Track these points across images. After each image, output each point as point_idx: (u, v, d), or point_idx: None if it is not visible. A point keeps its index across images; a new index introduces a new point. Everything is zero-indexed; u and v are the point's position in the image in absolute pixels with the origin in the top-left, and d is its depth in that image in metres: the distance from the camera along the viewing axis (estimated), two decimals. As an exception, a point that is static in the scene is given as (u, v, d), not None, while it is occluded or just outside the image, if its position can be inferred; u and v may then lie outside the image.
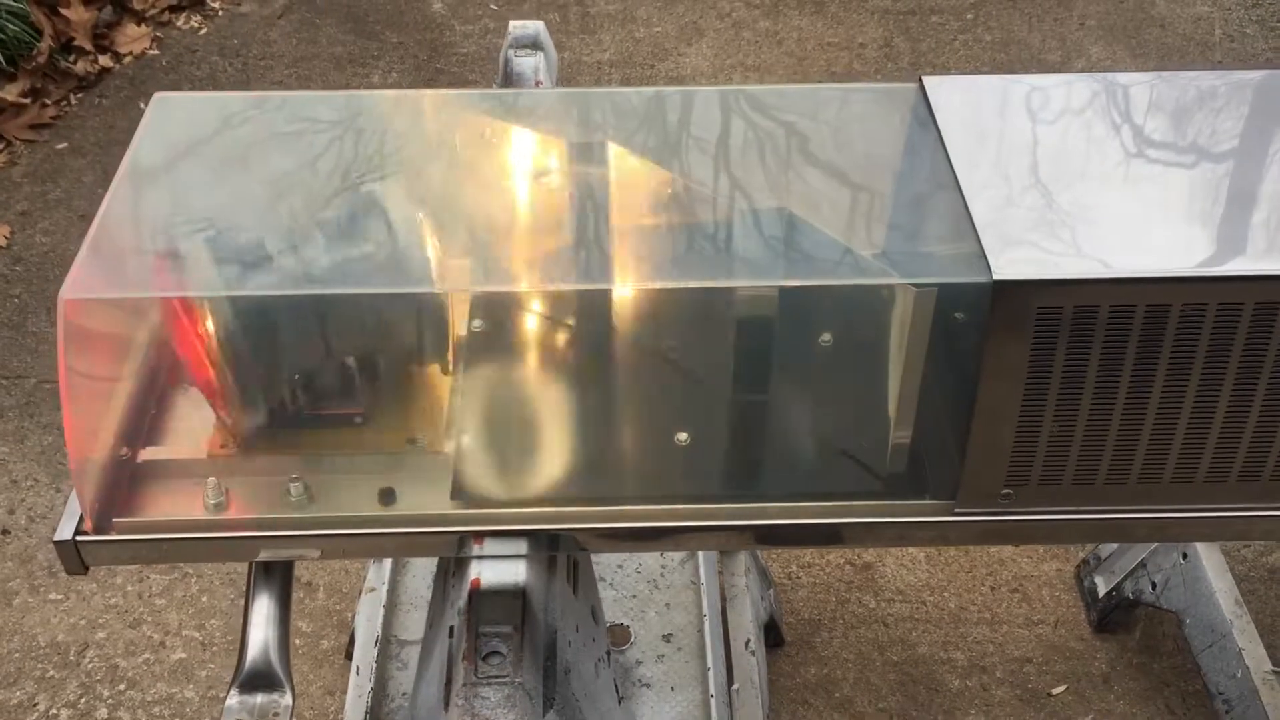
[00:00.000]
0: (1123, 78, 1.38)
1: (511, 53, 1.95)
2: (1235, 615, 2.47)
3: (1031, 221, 1.16)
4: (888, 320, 1.19)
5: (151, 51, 4.71)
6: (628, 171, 1.31)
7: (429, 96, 1.76)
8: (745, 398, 1.32)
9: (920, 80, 1.30)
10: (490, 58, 4.70)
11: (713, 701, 1.88)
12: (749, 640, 2.43)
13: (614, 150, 1.34)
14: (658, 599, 2.09)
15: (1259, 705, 2.31)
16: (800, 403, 1.35)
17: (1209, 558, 2.58)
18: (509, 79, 1.92)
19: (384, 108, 1.56)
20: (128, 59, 4.69)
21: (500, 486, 1.28)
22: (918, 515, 1.24)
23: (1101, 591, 2.86)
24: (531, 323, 1.36)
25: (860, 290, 1.22)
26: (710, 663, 1.95)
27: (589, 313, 1.32)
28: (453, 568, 1.26)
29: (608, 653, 1.45)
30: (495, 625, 1.13)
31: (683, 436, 1.30)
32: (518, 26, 2.03)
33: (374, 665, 1.98)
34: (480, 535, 1.22)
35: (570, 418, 1.36)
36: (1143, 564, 2.73)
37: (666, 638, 2.03)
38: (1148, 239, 1.15)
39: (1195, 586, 2.58)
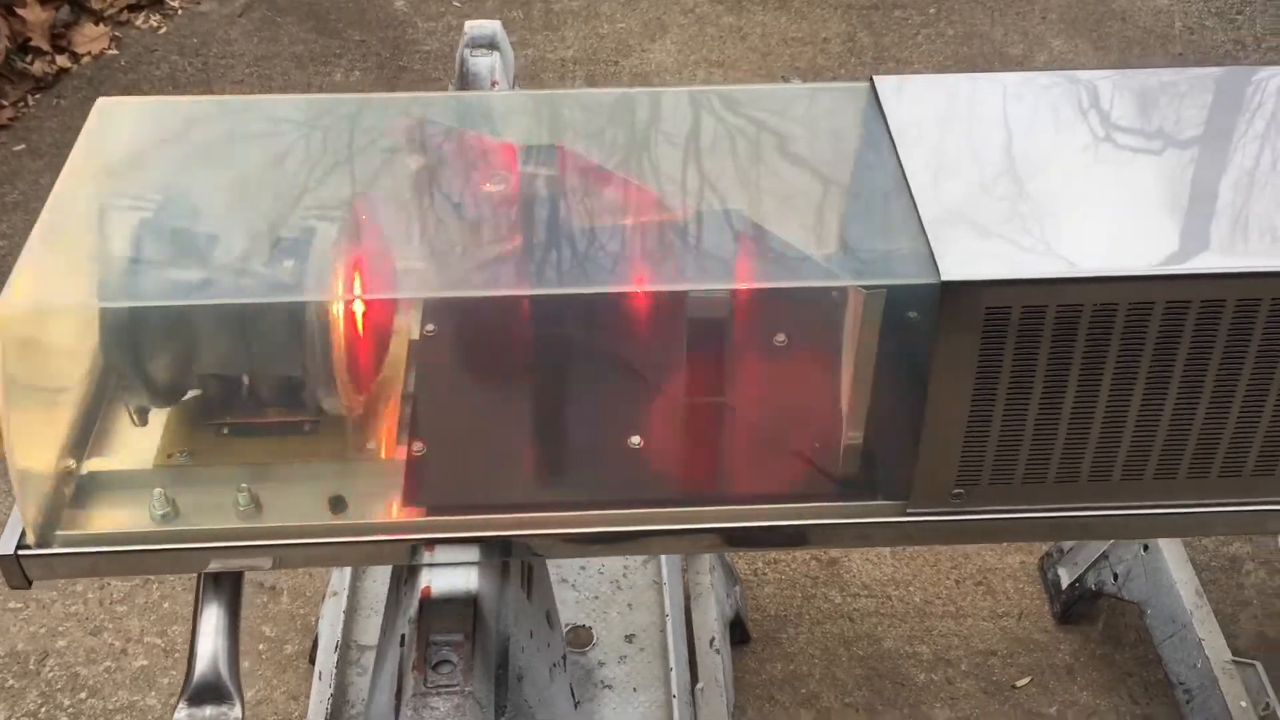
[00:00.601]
0: (1079, 75, 1.38)
1: (468, 52, 1.94)
2: (1195, 606, 2.50)
3: (980, 221, 1.16)
4: (839, 322, 1.19)
5: (110, 51, 4.65)
6: (577, 175, 1.30)
7: (379, 100, 1.74)
8: (698, 400, 1.32)
9: (871, 80, 1.30)
10: (453, 55, 4.67)
11: (675, 702, 1.88)
12: (714, 638, 2.43)
13: (564, 153, 1.33)
14: (620, 599, 2.08)
15: (1219, 694, 2.34)
16: (753, 405, 1.34)
17: (1170, 549, 2.60)
18: (465, 79, 1.91)
19: (334, 111, 1.54)
20: (86, 59, 4.63)
21: (452, 493, 1.27)
22: (870, 516, 1.24)
23: (1065, 583, 2.88)
24: (483, 328, 1.35)
25: (810, 292, 1.22)
26: (673, 663, 1.94)
27: (541, 317, 1.31)
28: (405, 575, 1.25)
29: (564, 657, 1.44)
30: (445, 634, 1.12)
31: (636, 440, 1.29)
32: (474, 26, 2.02)
33: (334, 671, 1.96)
34: (431, 543, 1.21)
35: (523, 423, 1.35)
36: (1105, 555, 2.75)
37: (629, 638, 2.02)
38: (1097, 238, 1.15)
39: (1156, 577, 2.60)
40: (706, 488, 1.32)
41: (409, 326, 1.39)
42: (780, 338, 1.37)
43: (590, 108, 1.51)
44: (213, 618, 1.22)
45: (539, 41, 4.70)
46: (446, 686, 1.08)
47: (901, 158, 1.20)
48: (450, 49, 4.69)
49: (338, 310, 1.34)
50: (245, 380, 1.29)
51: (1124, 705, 2.75)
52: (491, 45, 1.96)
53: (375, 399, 1.32)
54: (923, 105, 1.29)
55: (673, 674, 1.93)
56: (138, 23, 4.77)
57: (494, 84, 1.89)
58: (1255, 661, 2.36)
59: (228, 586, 1.25)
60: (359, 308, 1.35)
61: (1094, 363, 1.13)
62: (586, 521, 1.25)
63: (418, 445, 1.29)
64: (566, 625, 2.06)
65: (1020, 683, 2.80)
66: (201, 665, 1.20)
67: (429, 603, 1.15)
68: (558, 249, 1.27)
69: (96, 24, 4.70)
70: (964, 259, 1.10)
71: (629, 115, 1.47)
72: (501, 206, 1.32)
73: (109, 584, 2.91)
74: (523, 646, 1.24)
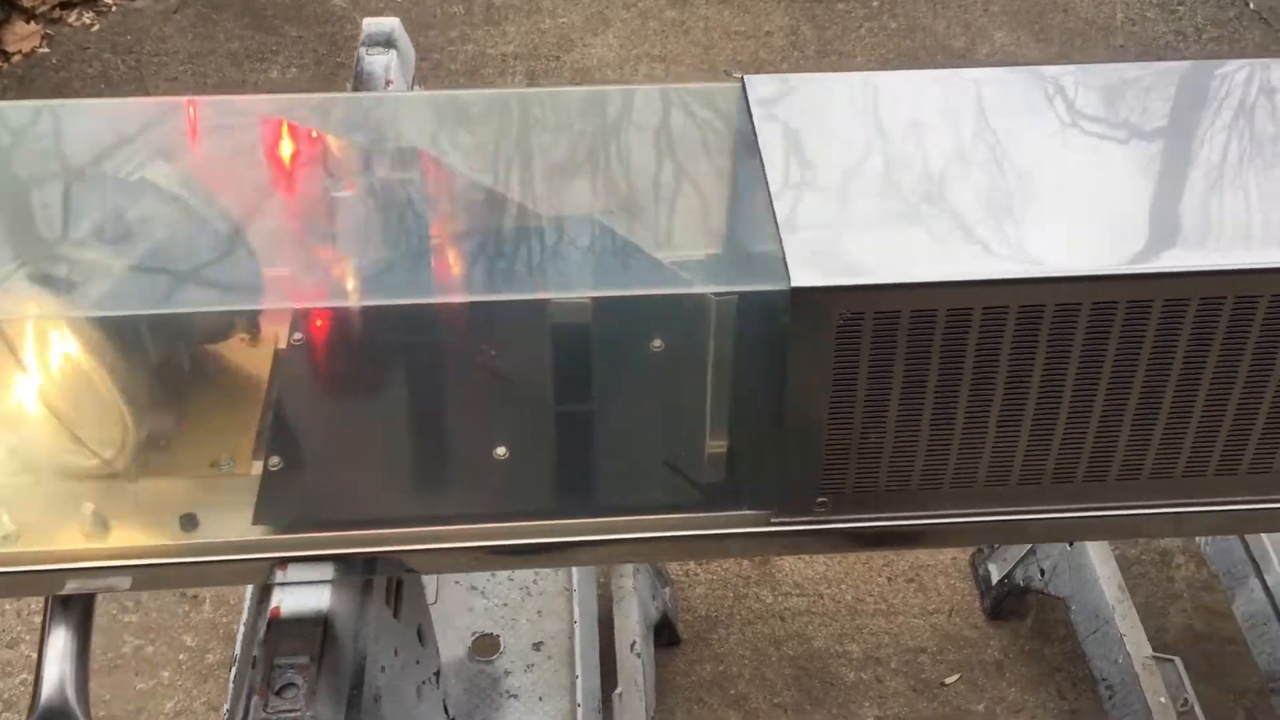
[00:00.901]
0: (964, 73, 1.36)
1: (363, 51, 1.90)
2: (1118, 601, 2.49)
3: (839, 226, 1.13)
4: (696, 329, 1.16)
5: (41, 49, 4.57)
6: (437, 180, 1.27)
7: (260, 101, 1.70)
8: (561, 410, 1.29)
9: (742, 80, 1.27)
10: (392, 51, 4.62)
11: (579, 710, 1.86)
12: (634, 642, 2.40)
13: (427, 157, 1.30)
14: (530, 606, 2.05)
15: (1138, 690, 2.33)
16: (617, 415, 1.32)
17: (1094, 544, 2.60)
18: (359, 78, 1.86)
19: (205, 115, 1.50)
20: (16, 58, 4.54)
21: (305, 509, 1.24)
22: (735, 526, 1.21)
23: (995, 579, 2.88)
24: (343, 338, 1.31)
25: (664, 300, 1.19)
26: (579, 671, 1.92)
27: (403, 327, 1.28)
28: (258, 595, 1.22)
29: (437, 673, 1.41)
30: (291, 656, 1.09)
31: (501, 451, 1.26)
32: (371, 24, 1.98)
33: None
34: (283, 562, 1.18)
35: (385, 435, 1.32)
36: (1032, 551, 2.75)
37: (537, 646, 2.00)
38: (955, 243, 1.13)
39: (1080, 573, 2.60)
40: (573, 499, 1.29)
41: (277, 335, 1.35)
42: (657, 343, 1.34)
43: (473, 109, 1.48)
44: (60, 642, 1.18)
45: (480, 37, 4.65)
46: (288, 711, 1.05)
47: (765, 160, 1.17)
48: (389, 45, 4.64)
49: (208, 323, 1.31)
50: (97, 394, 1.25)
51: (1052, 701, 2.75)
52: (389, 43, 1.92)
53: (233, 413, 1.29)
54: (793, 106, 1.26)
55: (579, 682, 1.91)
56: (70, 20, 4.69)
57: (388, 83, 1.85)
58: (1174, 657, 2.35)
59: (77, 609, 1.21)
60: (231, 320, 1.32)
61: (951, 368, 1.11)
62: (447, 536, 1.22)
63: (275, 459, 1.25)
64: (473, 634, 2.03)
65: (949, 680, 2.79)
66: (48, 691, 1.16)
67: (276, 624, 1.12)
68: (420, 257, 1.24)
69: (28, 22, 4.61)
70: (817, 265, 1.08)
71: (509, 117, 1.44)
72: (367, 213, 1.29)
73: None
74: (383, 666, 1.21)
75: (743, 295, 1.10)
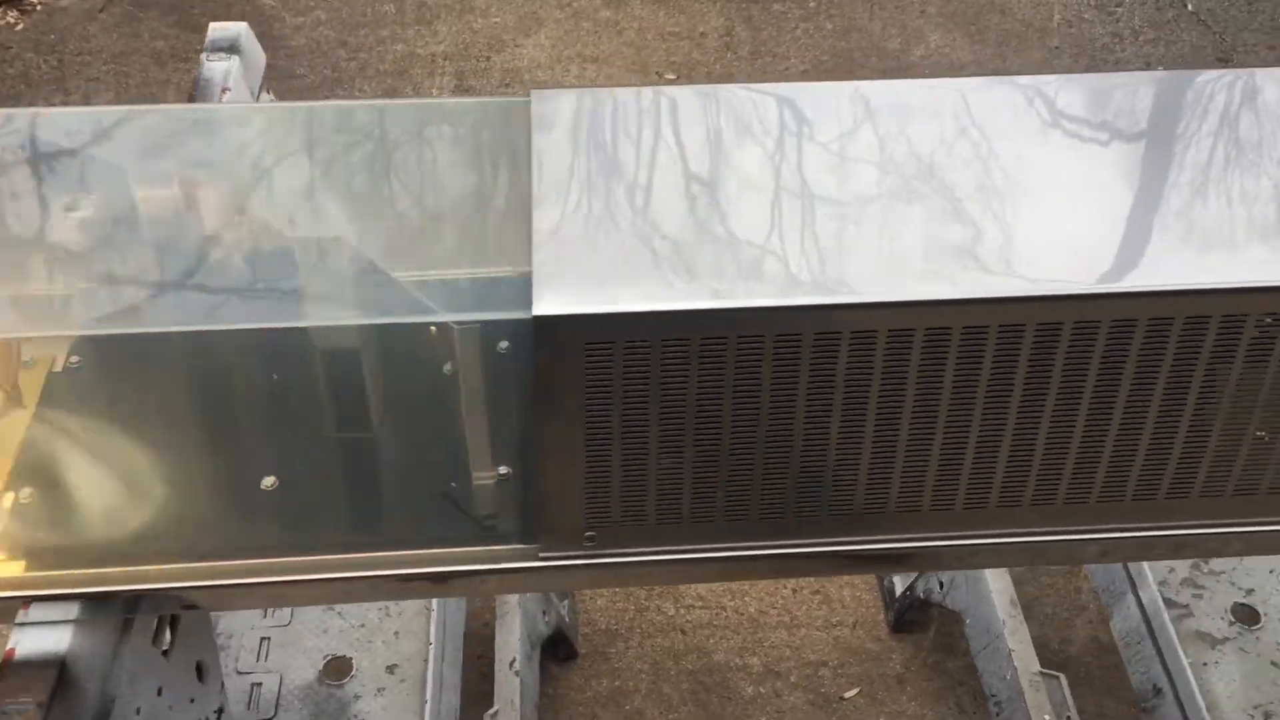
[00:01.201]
0: (766, 88, 1.29)
1: (205, 56, 1.84)
2: (1009, 616, 2.45)
3: (599, 249, 1.08)
4: (443, 358, 1.11)
5: (-37, 48, 4.50)
6: (196, 201, 1.21)
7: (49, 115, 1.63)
8: (325, 440, 1.24)
9: (530, 94, 1.22)
10: (322, 50, 4.56)
11: (425, 736, 1.81)
12: (514, 660, 2.35)
13: (183, 177, 1.23)
14: (388, 627, 2.00)
15: (1024, 707, 2.29)
16: (386, 444, 1.26)
17: (989, 558, 2.56)
18: (195, 85, 1.81)
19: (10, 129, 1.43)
20: (-64, 56, 4.47)
21: (50, 546, 1.18)
22: (502, 561, 1.16)
23: (898, 591, 2.84)
24: (98, 368, 1.26)
25: (405, 329, 1.14)
26: (429, 694, 1.87)
27: (152, 355, 1.22)
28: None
29: (219, 711, 1.36)
30: (17, 700, 1.03)
31: (269, 481, 1.21)
32: (216, 29, 1.92)
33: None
34: (28, 600, 1.13)
35: (140, 466, 1.26)
36: (932, 563, 2.71)
37: (391, 669, 1.94)
38: (717, 270, 1.07)
39: (975, 586, 2.56)
40: (345, 531, 1.24)
41: (53, 360, 1.30)
42: (448, 368, 1.29)
43: (277, 123, 1.42)
44: None
45: (410, 36, 4.59)
46: (8, 759, 1.00)
47: (534, 180, 1.12)
48: (317, 45, 4.57)
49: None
50: None
51: (951, 715, 2.71)
52: (233, 49, 1.86)
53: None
54: (579, 122, 1.21)
55: (427, 707, 1.86)
56: (-7, 19, 4.62)
57: (224, 91, 1.79)
58: (1059, 674, 2.32)
59: None
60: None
61: (710, 397, 1.06)
62: (213, 574, 1.17)
63: (26, 491, 1.20)
64: (325, 656, 1.98)
65: (849, 694, 2.75)
66: None
67: (9, 667, 1.06)
68: (170, 282, 1.18)
69: (-50, 20, 4.55)
70: (565, 292, 1.03)
71: (283, 133, 1.37)
72: (90, 232, 1.21)
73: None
74: (139, 708, 1.15)
75: (489, 324, 1.05)
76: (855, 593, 2.95)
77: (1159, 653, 1.97)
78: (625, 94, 1.26)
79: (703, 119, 1.24)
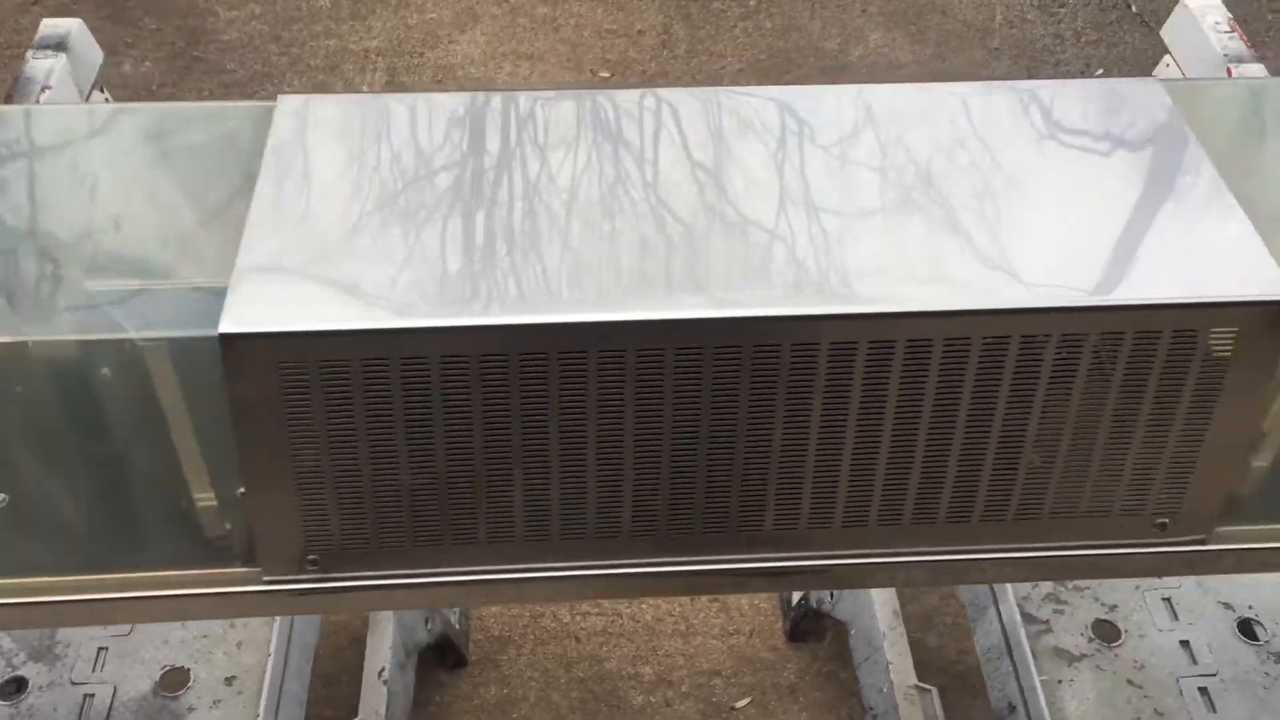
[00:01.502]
0: (526, 95, 1.24)
1: (30, 54, 1.80)
2: (890, 627, 2.42)
3: (313, 265, 1.03)
4: (143, 374, 1.07)
5: (-108, 40, 4.45)
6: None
7: None
8: (38, 460, 1.19)
9: (277, 99, 1.18)
10: (253, 45, 4.52)
11: (258, 750, 1.77)
12: (383, 669, 2.32)
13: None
14: (231, 638, 1.96)
15: (898, 721, 2.26)
16: (106, 463, 1.21)
17: (876, 568, 2.52)
18: (15, 84, 1.77)
19: None
20: None
21: None
22: (225, 585, 1.12)
23: (794, 600, 2.80)
24: None
25: (100, 345, 1.09)
26: (263, 707, 1.83)
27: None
28: None
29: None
30: None
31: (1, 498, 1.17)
32: (47, 25, 1.88)
33: None
34: None
35: None
36: (823, 573, 2.67)
37: (229, 680, 1.91)
38: (425, 286, 1.02)
39: (860, 597, 2.52)
40: (77, 553, 1.19)
41: None
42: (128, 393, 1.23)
43: (26, 125, 1.36)
44: None
45: (343, 31, 4.55)
46: None
47: (258, 189, 1.08)
48: (249, 39, 4.53)
49: None
50: None
51: (841, 727, 2.68)
52: (60, 47, 1.82)
53: None
54: (319, 130, 1.16)
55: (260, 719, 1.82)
56: (-76, 10, 4.57)
57: (45, 90, 1.75)
58: (933, 688, 2.28)
59: None
60: None
61: (418, 418, 1.02)
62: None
63: None
64: (164, 667, 1.95)
65: (740, 704, 2.71)
66: None
67: None
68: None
69: (-121, 11, 4.50)
70: (259, 309, 0.98)
71: (52, 136, 1.31)
72: None
73: None
74: None
75: (173, 341, 1.01)
76: (754, 600, 2.92)
77: (1015, 669, 1.94)
78: (376, 101, 1.22)
79: (462, 123, 1.20)
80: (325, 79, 4.37)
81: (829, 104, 1.24)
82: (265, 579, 1.11)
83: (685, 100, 1.23)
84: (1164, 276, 1.03)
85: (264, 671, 1.92)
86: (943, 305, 1.01)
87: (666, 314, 0.99)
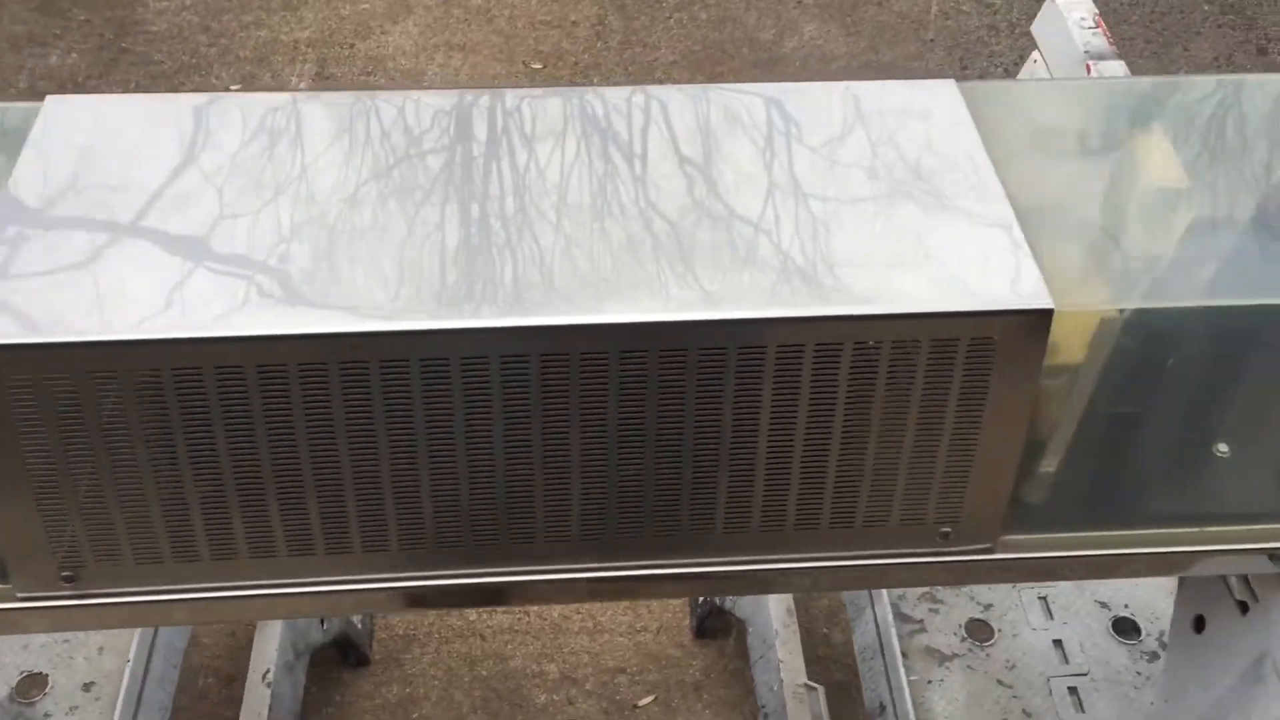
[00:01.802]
0: (310, 97, 1.21)
1: None
2: (783, 626, 2.41)
3: (42, 274, 1.00)
4: None
5: None
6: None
7: None
8: None
9: (46, 99, 1.14)
10: (183, 36, 4.46)
11: (109, 757, 1.75)
12: (268, 671, 2.30)
13: None
14: (93, 642, 1.94)
15: (786, 719, 2.25)
16: None
17: (773, 565, 2.52)
18: None
19: None
20: None
21: None
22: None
23: (700, 598, 2.79)
24: None
25: None
26: (118, 714, 1.81)
27: None
28: None
29: None
30: None
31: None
32: None
33: None
34: None
35: None
36: (725, 570, 2.67)
37: (88, 686, 1.88)
38: (142, 297, 0.99)
39: (759, 595, 2.51)
40: None
41: None
42: None
43: None
44: None
45: (274, 22, 4.50)
46: None
47: (9, 191, 1.05)
48: (179, 30, 4.48)
49: None
50: None
51: (744, 723, 2.68)
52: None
53: None
54: (76, 130, 1.12)
55: (115, 725, 1.80)
56: None
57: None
58: (819, 686, 2.27)
59: None
60: None
61: (121, 433, 0.98)
62: None
63: None
64: (22, 672, 1.92)
65: (643, 701, 2.70)
66: None
67: None
68: None
69: None
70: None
71: None
72: None
73: None
74: None
75: None
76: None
77: (885, 669, 1.93)
78: (142, 101, 1.18)
79: (232, 126, 1.16)
80: (254, 70, 4.33)
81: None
82: (19, 595, 1.08)
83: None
84: (926, 285, 1.01)
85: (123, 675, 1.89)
86: (669, 316, 0.99)
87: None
